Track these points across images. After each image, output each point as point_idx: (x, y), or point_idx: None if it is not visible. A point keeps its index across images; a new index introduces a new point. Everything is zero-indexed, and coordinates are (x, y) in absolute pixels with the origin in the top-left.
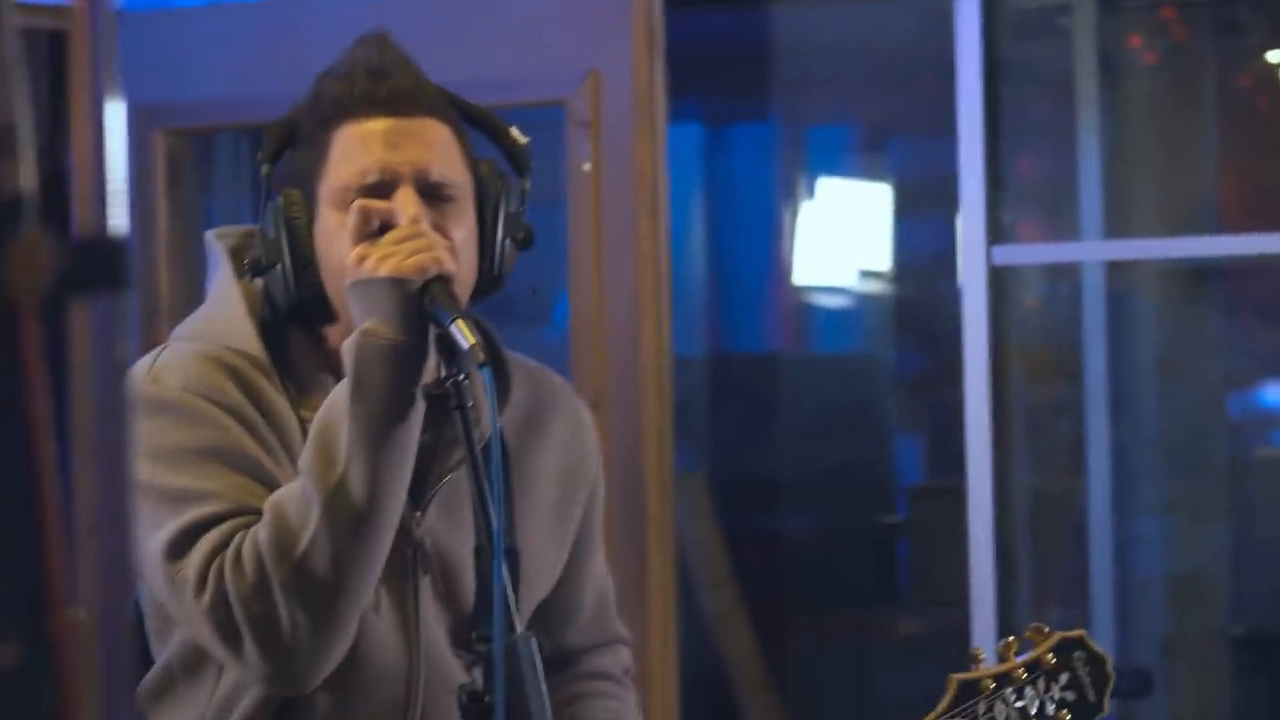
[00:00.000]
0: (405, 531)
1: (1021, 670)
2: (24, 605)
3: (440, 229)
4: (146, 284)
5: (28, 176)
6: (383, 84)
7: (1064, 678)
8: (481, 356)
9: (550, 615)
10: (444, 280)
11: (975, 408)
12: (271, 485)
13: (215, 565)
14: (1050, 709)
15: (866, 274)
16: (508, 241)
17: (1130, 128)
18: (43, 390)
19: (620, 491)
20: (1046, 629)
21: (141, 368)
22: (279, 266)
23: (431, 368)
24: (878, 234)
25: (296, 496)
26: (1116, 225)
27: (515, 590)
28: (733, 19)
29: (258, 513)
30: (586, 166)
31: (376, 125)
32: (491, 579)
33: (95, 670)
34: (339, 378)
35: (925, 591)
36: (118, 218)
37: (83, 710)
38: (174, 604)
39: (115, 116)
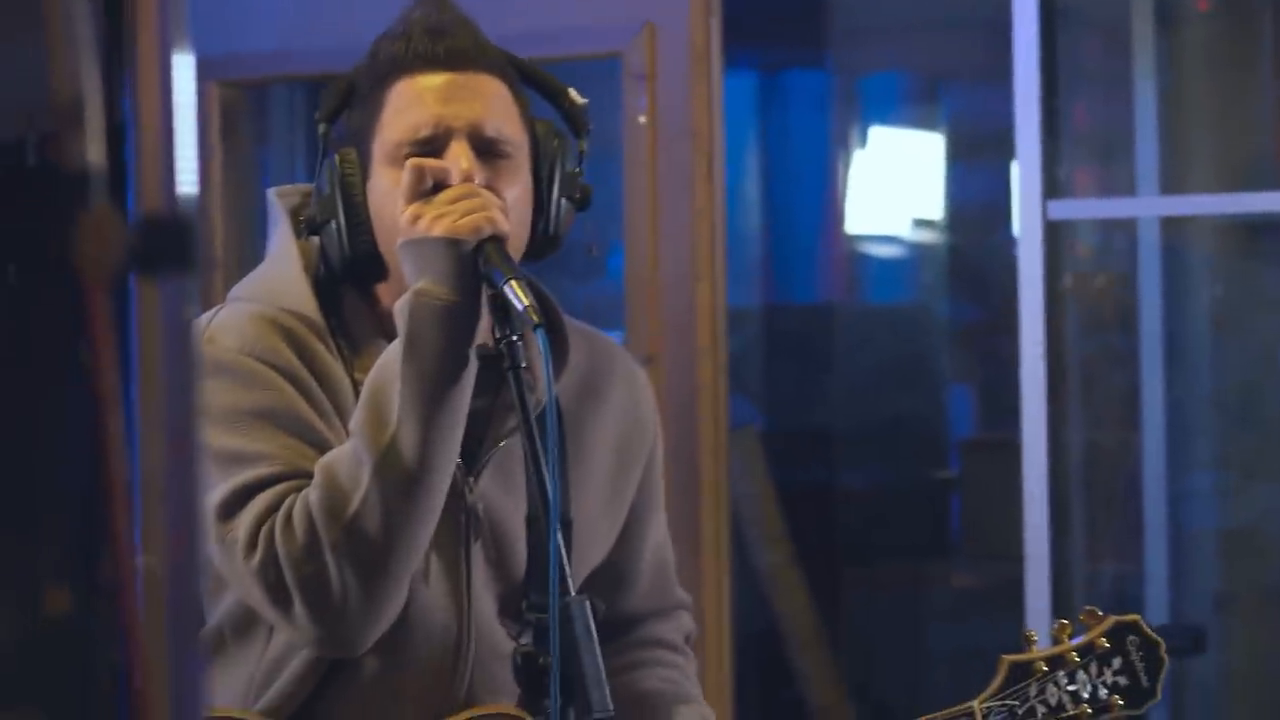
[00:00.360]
0: (458, 497)
1: (1074, 653)
2: (80, 555)
3: (493, 187)
4: (202, 240)
5: (96, 150)
6: (440, 41)
7: (1117, 662)
8: (536, 318)
9: (608, 582)
10: (498, 240)
11: (1030, 362)
12: (324, 448)
13: (266, 527)
14: (1102, 693)
15: (920, 223)
16: (564, 201)
17: (1186, 78)
18: (110, 362)
19: (674, 448)
20: (1101, 612)
21: (199, 327)
22: (332, 224)
23: (485, 329)
24: (931, 183)
25: (348, 458)
26: (1172, 178)
27: (568, 557)
28: None
29: (310, 475)
30: (642, 119)
31: (432, 80)
32: (544, 548)
33: (163, 617)
34: (391, 339)
35: (978, 545)
36: (186, 182)
37: (149, 656)
38: (225, 564)
39: (184, 71)
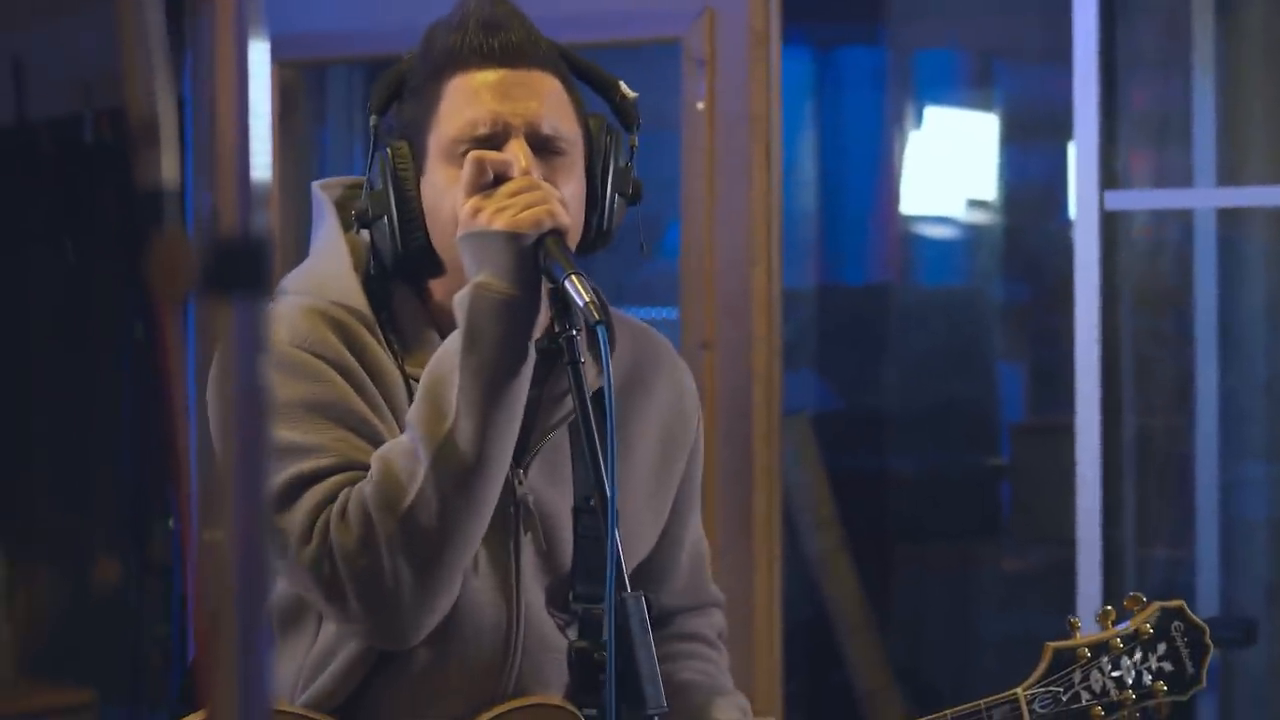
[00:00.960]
0: (508, 489)
1: (1119, 639)
2: (129, 531)
3: (550, 183)
4: (266, 219)
5: (170, 170)
6: (494, 36)
7: (1161, 648)
8: (598, 315)
9: (647, 577)
10: (558, 234)
11: (1085, 349)
12: (376, 441)
13: (321, 519)
14: (1147, 679)
15: (974, 204)
16: (617, 197)
17: (1245, 64)
18: (180, 379)
19: (727, 434)
20: (1145, 599)
21: None
22: (385, 219)
23: (541, 322)
24: (986, 164)
25: (404, 450)
26: (1229, 168)
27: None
28: None
29: (363, 468)
30: (700, 105)
31: (488, 76)
32: (590, 539)
33: (230, 590)
34: (443, 333)
35: (1029, 529)
36: (260, 199)
37: (215, 636)
38: (278, 556)
39: (260, 61)
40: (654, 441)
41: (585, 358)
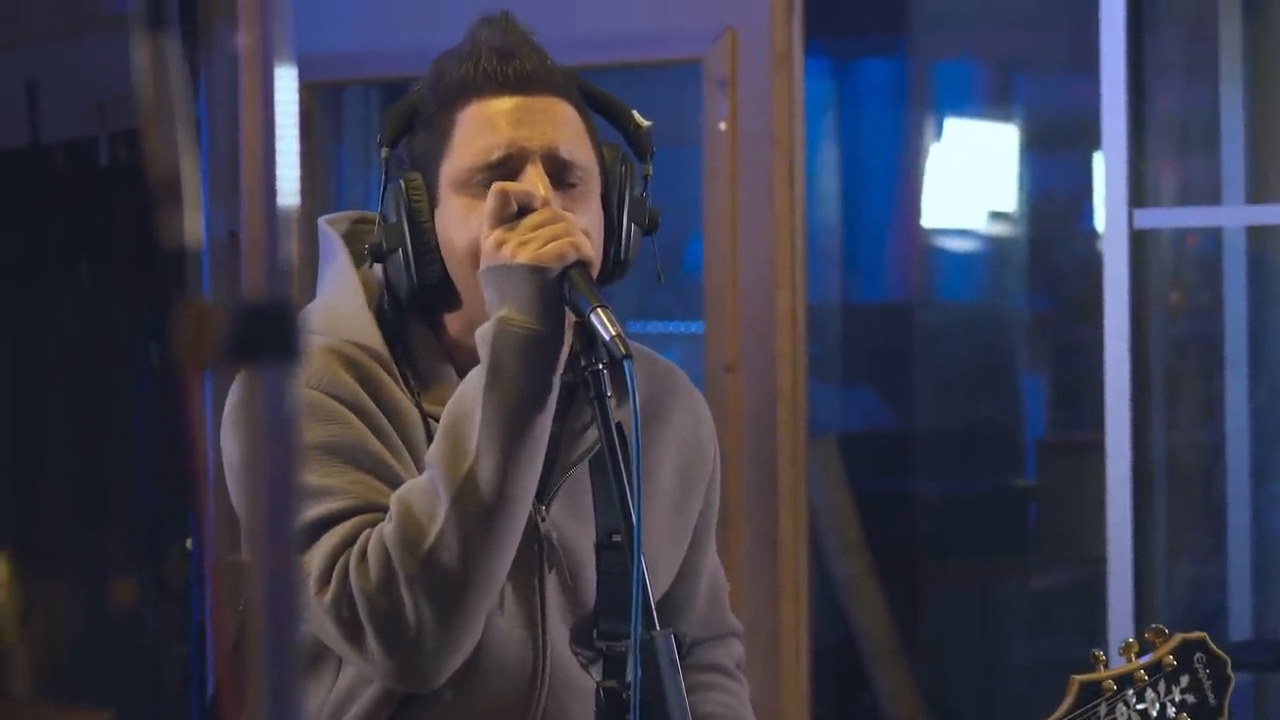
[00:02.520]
0: (530, 525)
1: (1142, 672)
2: (146, 552)
3: (568, 213)
4: (293, 249)
5: (193, 230)
6: (508, 63)
7: (1184, 680)
8: (624, 349)
9: (665, 608)
10: (583, 266)
11: (1115, 369)
12: (394, 482)
13: (341, 562)
14: (1170, 711)
15: (998, 217)
16: (633, 226)
17: (1274, 76)
18: (204, 444)
19: (752, 456)
20: (1166, 630)
21: None
22: (400, 253)
23: (563, 356)
24: (1008, 176)
25: (424, 490)
26: (1259, 183)
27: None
28: None
29: (382, 509)
30: (722, 126)
31: (503, 104)
32: (614, 575)
33: (259, 619)
34: (460, 369)
35: (1058, 550)
36: (286, 261)
37: (248, 666)
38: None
39: (287, 89)
40: (672, 473)
41: (609, 391)
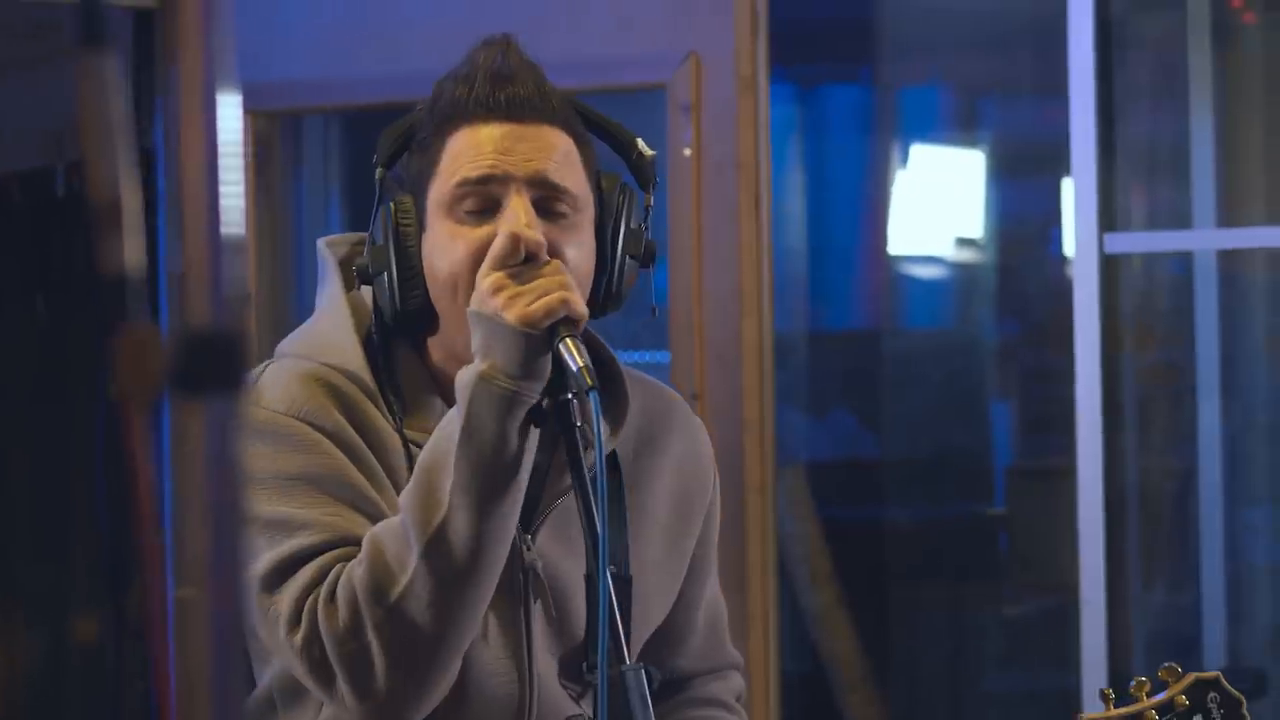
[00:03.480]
0: (516, 556)
1: (1153, 712)
2: (108, 589)
3: (554, 244)
4: (242, 277)
5: (135, 256)
6: (502, 89)
7: None
8: (590, 380)
9: (662, 640)
10: (571, 324)
11: (1087, 394)
12: (374, 513)
13: (310, 601)
14: None
15: (963, 243)
16: (628, 259)
17: (1244, 100)
18: (150, 486)
19: (720, 486)
20: (1180, 669)
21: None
22: (385, 276)
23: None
24: (976, 202)
25: (396, 535)
26: (1229, 208)
27: (627, 617)
28: None
29: (357, 542)
30: (687, 152)
31: (492, 131)
32: (590, 607)
33: (204, 648)
34: (445, 394)
35: (1028, 578)
36: (236, 285)
37: (172, 686)
38: (268, 637)
39: (229, 113)
40: (668, 503)
41: (588, 421)
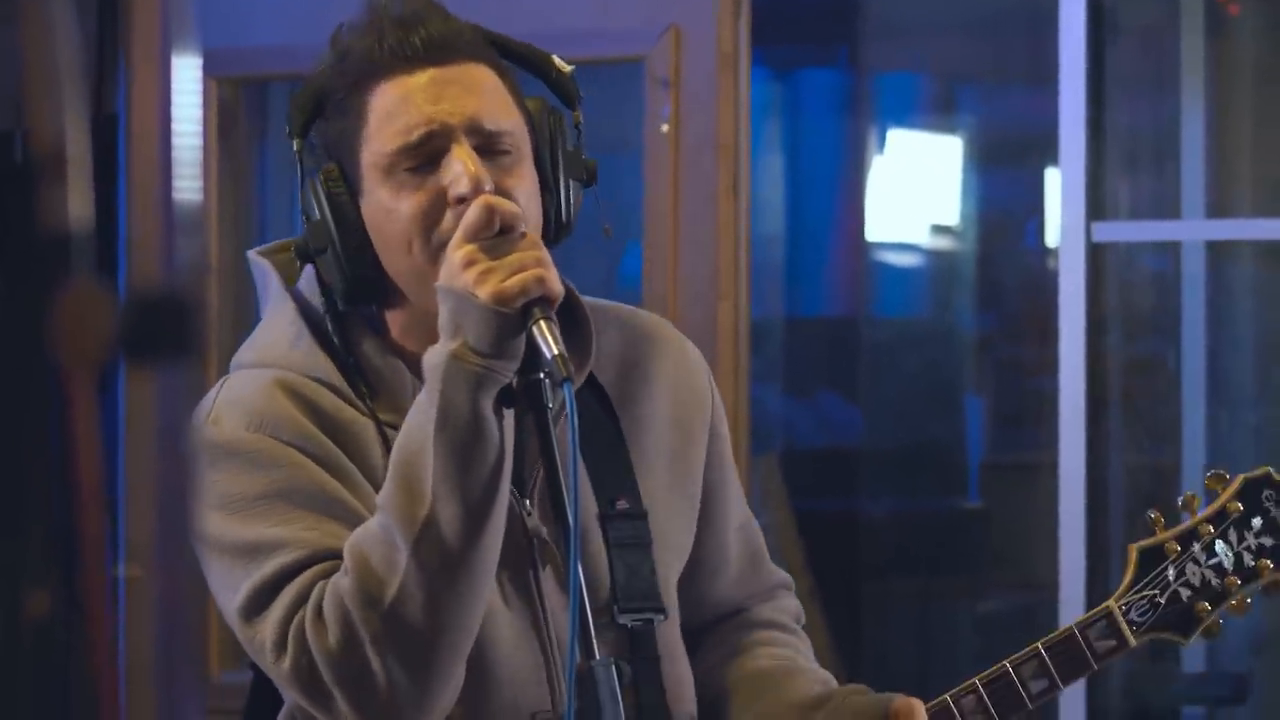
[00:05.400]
0: (517, 523)
1: (1207, 525)
2: (59, 561)
3: (503, 188)
4: (198, 245)
5: (80, 211)
6: (413, 33)
7: (1257, 523)
8: (565, 370)
9: (699, 572)
10: (546, 302)
11: (1070, 387)
12: (354, 521)
13: (295, 622)
14: (1249, 560)
15: (943, 231)
16: (571, 183)
17: (1235, 90)
18: (94, 464)
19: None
20: (1228, 475)
21: (204, 406)
22: (329, 251)
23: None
24: (956, 190)
25: (379, 538)
26: (1218, 198)
27: (649, 552)
28: None
29: (338, 555)
30: (665, 128)
31: (416, 79)
32: (628, 545)
33: (149, 626)
34: (413, 370)
35: (1004, 574)
36: (190, 247)
37: (110, 664)
38: (261, 666)
39: (188, 75)
40: (665, 428)
41: (551, 402)
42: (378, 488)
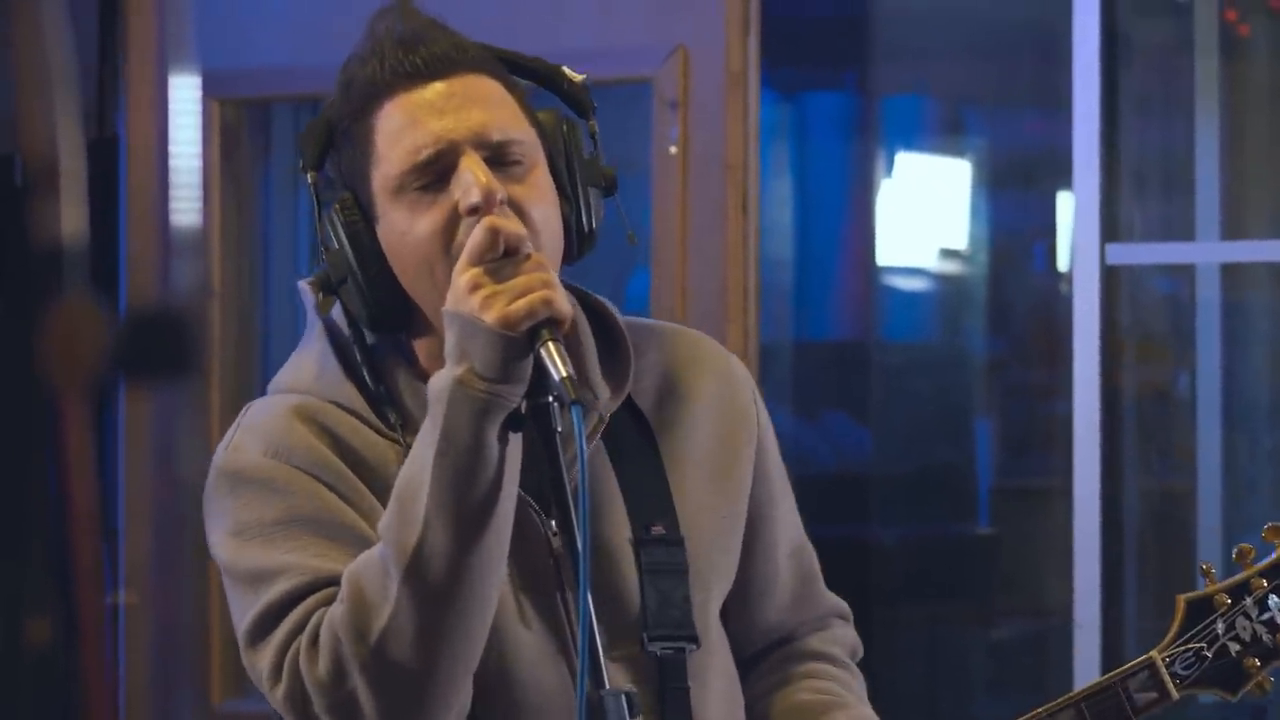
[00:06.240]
0: (543, 543)
1: (1260, 578)
2: (58, 592)
3: (516, 197)
4: (197, 267)
5: (73, 221)
6: (415, 52)
7: None
8: (573, 392)
9: (749, 594)
10: (554, 325)
11: (1084, 411)
12: (364, 548)
13: (291, 651)
14: None
15: (953, 255)
16: (590, 191)
17: (1249, 112)
18: (86, 483)
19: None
20: None
21: (228, 435)
22: (350, 280)
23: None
24: (967, 213)
25: (376, 567)
26: (1234, 220)
27: (684, 579)
28: None
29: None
30: (673, 149)
31: (420, 95)
32: (661, 572)
33: (147, 653)
34: None
35: (1016, 600)
36: (188, 268)
37: (107, 692)
38: (262, 692)
39: (186, 95)
40: (707, 449)
41: (559, 426)
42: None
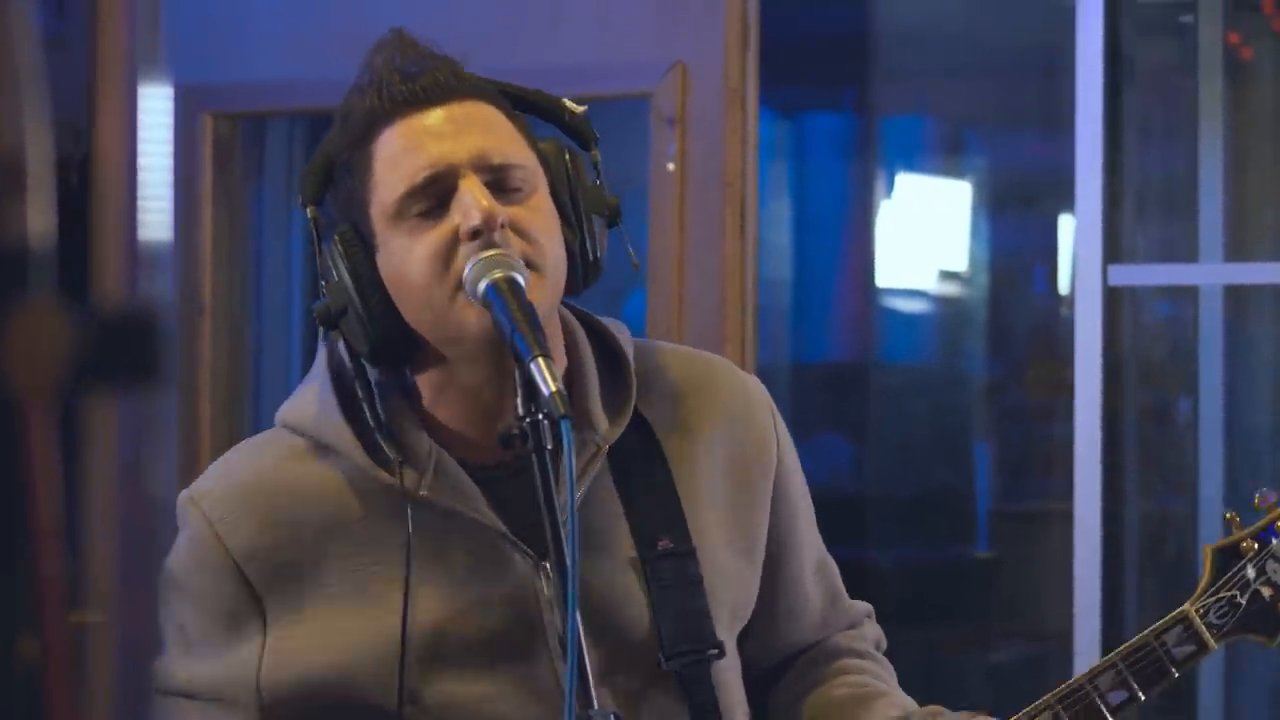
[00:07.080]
0: (532, 593)
1: None
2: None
3: (518, 221)
4: (189, 284)
5: (40, 223)
6: (415, 81)
7: None
8: (563, 408)
9: (776, 614)
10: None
11: (1086, 434)
12: (212, 664)
13: None
14: None
15: (952, 276)
16: (595, 219)
17: (1254, 133)
18: (51, 500)
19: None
20: None
21: (209, 470)
22: (349, 311)
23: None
24: (967, 235)
25: None
26: (1237, 242)
27: (699, 589)
28: (829, 8)
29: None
30: (670, 166)
31: (417, 121)
32: (674, 587)
33: (109, 671)
34: (439, 440)
35: (1015, 623)
36: (158, 269)
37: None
38: None
39: (157, 104)
40: (722, 469)
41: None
42: (386, 555)
